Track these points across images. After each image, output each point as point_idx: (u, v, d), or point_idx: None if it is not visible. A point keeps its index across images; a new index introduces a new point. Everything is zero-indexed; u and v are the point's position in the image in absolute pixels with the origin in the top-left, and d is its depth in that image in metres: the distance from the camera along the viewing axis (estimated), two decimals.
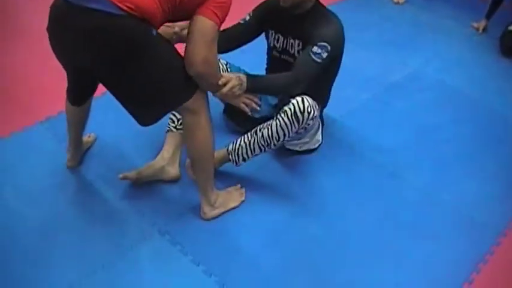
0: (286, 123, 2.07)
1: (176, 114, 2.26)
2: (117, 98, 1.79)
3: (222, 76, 1.92)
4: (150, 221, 2.10)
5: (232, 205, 2.16)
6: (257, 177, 2.33)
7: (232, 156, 2.21)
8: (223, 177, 2.26)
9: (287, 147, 2.40)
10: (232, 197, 2.18)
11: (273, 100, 2.37)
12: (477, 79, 3.27)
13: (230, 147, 2.22)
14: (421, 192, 2.33)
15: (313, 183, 2.35)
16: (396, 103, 2.95)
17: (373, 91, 3.05)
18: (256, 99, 2.08)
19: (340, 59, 2.25)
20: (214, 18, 1.73)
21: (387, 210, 2.23)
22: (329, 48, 2.05)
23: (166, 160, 2.24)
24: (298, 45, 2.19)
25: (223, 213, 2.13)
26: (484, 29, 3.86)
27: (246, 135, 2.20)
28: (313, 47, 2.05)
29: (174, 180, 2.26)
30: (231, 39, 2.26)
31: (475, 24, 3.92)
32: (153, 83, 1.71)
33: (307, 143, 2.39)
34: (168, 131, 2.31)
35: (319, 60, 2.04)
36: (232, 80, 1.94)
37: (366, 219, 2.18)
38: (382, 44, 3.63)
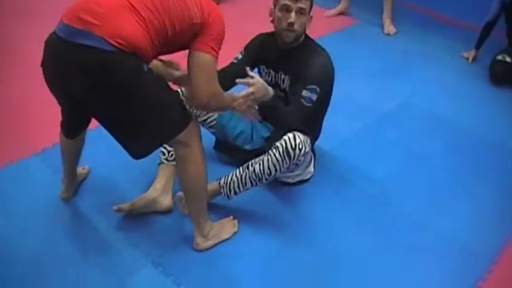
0: (277, 159, 2.10)
1: (167, 146, 2.29)
2: (109, 131, 1.82)
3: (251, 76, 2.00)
4: (144, 252, 2.10)
5: (225, 236, 2.17)
6: (250, 207, 2.34)
7: (224, 190, 2.22)
8: (216, 209, 2.27)
9: (279, 180, 2.42)
10: (225, 228, 2.19)
11: (266, 133, 2.41)
12: (467, 107, 3.32)
13: (222, 181, 2.23)
14: (413, 221, 2.34)
15: (305, 213, 2.36)
16: (387, 132, 2.99)
17: (364, 121, 3.08)
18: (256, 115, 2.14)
19: (330, 93, 2.30)
20: (212, 52, 1.78)
21: (379, 238, 2.24)
22: (318, 90, 2.12)
23: (159, 191, 2.25)
24: (288, 79, 2.24)
25: (216, 244, 2.14)
26: (474, 59, 3.91)
27: (238, 170, 2.21)
28: (302, 91, 2.10)
29: (167, 211, 2.27)
30: (227, 80, 2.29)
31: (465, 54, 3.98)
32: (145, 117, 1.74)
33: (299, 175, 2.41)
34: (159, 163, 2.33)
35: (309, 105, 2.11)
36: (257, 86, 1.99)
37: (358, 248, 2.19)
38: (373, 73, 3.68)
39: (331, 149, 2.76)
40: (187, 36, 1.77)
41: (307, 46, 2.22)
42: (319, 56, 2.19)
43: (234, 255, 2.12)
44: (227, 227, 2.20)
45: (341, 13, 4.71)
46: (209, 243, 2.12)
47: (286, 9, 2.11)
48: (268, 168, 2.12)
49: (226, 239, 2.17)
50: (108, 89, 1.65)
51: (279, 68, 2.28)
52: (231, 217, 2.25)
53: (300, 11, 2.11)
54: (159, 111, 1.76)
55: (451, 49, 4.11)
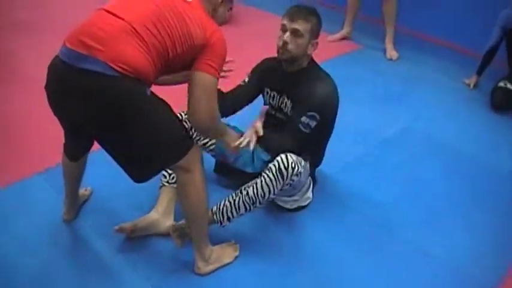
0: (271, 179, 2.10)
1: (167, 169, 2.30)
2: (110, 155, 1.83)
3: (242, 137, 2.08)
4: (144, 275, 2.10)
5: (226, 261, 2.16)
6: (251, 232, 2.34)
7: (216, 216, 2.19)
8: (217, 233, 2.27)
9: (278, 203, 2.42)
10: (226, 252, 2.19)
11: (266, 157, 2.42)
12: (468, 134, 3.34)
13: (214, 208, 2.20)
14: (413, 247, 2.34)
15: (306, 238, 2.36)
16: (389, 157, 3.00)
17: (366, 145, 3.10)
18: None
19: (334, 121, 2.33)
20: (213, 72, 1.79)
21: (379, 264, 2.24)
22: (318, 117, 2.14)
23: (161, 213, 2.26)
24: (290, 103, 2.27)
25: (217, 268, 2.13)
26: (475, 85, 3.94)
27: (230, 195, 2.20)
28: (302, 116, 2.13)
29: (168, 233, 2.25)
30: (235, 102, 2.34)
31: (467, 80, 4.01)
32: (146, 143, 1.75)
33: (297, 201, 2.41)
34: (161, 186, 2.35)
35: (307, 131, 2.14)
36: (247, 138, 2.09)
37: (358, 274, 2.18)
38: (375, 98, 3.71)
39: (332, 173, 2.77)
40: (188, 57, 1.79)
41: (311, 72, 2.25)
42: (322, 83, 2.21)
43: (235, 280, 2.11)
44: (228, 252, 2.19)
45: (344, 38, 4.76)
46: (210, 267, 2.11)
47: (283, 28, 2.16)
48: (262, 189, 2.12)
49: (228, 264, 2.16)
50: (110, 113, 1.66)
51: (282, 91, 2.30)
52: (233, 241, 2.25)
53: (296, 32, 2.13)
54: (161, 136, 1.77)
55: (451, 74, 4.17)
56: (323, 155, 2.48)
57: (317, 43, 2.24)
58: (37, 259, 2.15)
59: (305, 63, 2.25)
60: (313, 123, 2.14)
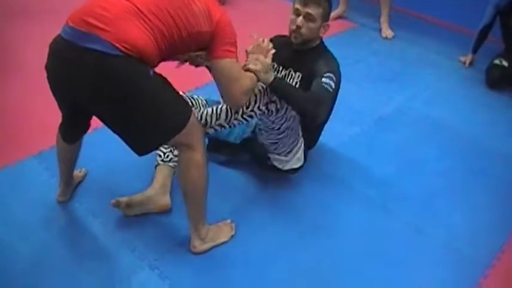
0: (259, 90, 2.08)
1: (162, 149, 2.32)
2: (113, 130, 1.83)
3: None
4: (140, 255, 2.10)
5: (222, 239, 2.17)
6: (247, 211, 2.34)
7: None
8: (214, 212, 2.26)
9: (271, 162, 2.42)
10: (222, 231, 2.19)
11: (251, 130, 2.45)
12: (464, 112, 3.34)
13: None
14: (410, 225, 2.35)
15: (302, 215, 2.37)
16: (384, 137, 3.00)
17: (361, 125, 3.09)
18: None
19: (334, 100, 2.33)
20: (230, 55, 1.82)
21: (375, 242, 2.25)
22: (334, 79, 2.17)
23: (157, 189, 2.27)
24: (298, 77, 2.30)
25: (213, 247, 2.14)
26: (471, 63, 3.94)
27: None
28: (321, 78, 2.15)
29: (163, 210, 2.27)
30: None
31: (462, 58, 4.01)
32: (148, 116, 1.75)
33: (288, 162, 2.39)
34: (156, 165, 2.35)
35: (330, 89, 2.14)
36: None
37: (355, 252, 2.19)
38: (371, 78, 3.70)
39: (328, 152, 2.77)
40: (194, 42, 1.80)
41: (321, 50, 2.33)
42: (332, 59, 2.30)
43: (231, 259, 2.12)
44: (224, 230, 2.20)
45: (339, 17, 4.74)
46: (206, 246, 2.12)
47: (296, 13, 2.22)
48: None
49: (224, 242, 2.17)
50: (113, 91, 1.66)
51: (290, 66, 2.34)
52: (229, 220, 2.25)
53: (308, 17, 2.19)
54: (162, 110, 1.77)
55: (447, 53, 4.15)
56: (318, 138, 2.52)
57: (328, 25, 2.29)
58: (32, 241, 2.15)
59: (315, 44, 2.32)
60: (332, 84, 2.16)
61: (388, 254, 2.19)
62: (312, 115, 2.11)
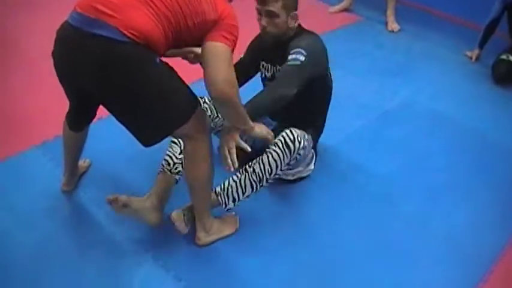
0: (278, 154, 2.09)
1: (173, 156, 2.22)
2: (119, 120, 1.81)
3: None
4: (144, 247, 2.10)
5: (227, 232, 2.17)
6: (252, 205, 2.32)
7: (221, 197, 2.12)
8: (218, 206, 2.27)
9: (280, 176, 2.39)
10: (227, 224, 2.19)
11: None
12: (470, 107, 3.32)
13: (218, 188, 2.14)
14: (414, 221, 2.34)
15: (306, 210, 2.36)
16: (389, 131, 2.99)
17: (366, 119, 3.08)
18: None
19: (327, 79, 2.29)
20: (225, 41, 1.75)
21: (379, 237, 2.24)
22: (304, 52, 2.07)
23: (154, 203, 2.12)
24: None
25: (217, 239, 2.14)
26: (477, 58, 3.91)
27: (235, 175, 2.15)
28: (288, 56, 2.08)
29: (152, 225, 2.14)
30: (239, 76, 2.29)
31: (468, 53, 3.98)
32: (155, 105, 1.74)
33: (300, 171, 2.40)
34: (160, 172, 2.22)
35: (298, 62, 2.05)
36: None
37: (357, 246, 2.19)
38: (376, 71, 3.68)
39: (333, 146, 2.76)
40: (199, 31, 1.77)
41: (298, 35, 2.22)
42: (303, 38, 2.18)
43: (235, 251, 2.12)
44: (229, 223, 2.20)
45: (345, 10, 4.71)
46: (211, 238, 2.12)
47: (258, 13, 2.15)
48: (269, 165, 2.10)
49: (228, 235, 2.17)
50: (119, 79, 1.65)
51: (275, 61, 2.28)
52: (233, 213, 2.24)
53: (270, 14, 2.11)
54: (168, 99, 1.76)
55: (453, 47, 4.12)
56: (324, 124, 2.47)
57: (296, 14, 2.18)
58: (36, 231, 2.15)
59: (292, 33, 2.22)
60: (301, 56, 2.05)
61: (391, 249, 2.19)
62: (284, 101, 2.05)
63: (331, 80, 2.36)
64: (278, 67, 2.27)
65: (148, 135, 1.84)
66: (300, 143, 2.09)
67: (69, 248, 2.09)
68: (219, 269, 2.05)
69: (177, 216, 2.07)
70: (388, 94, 3.38)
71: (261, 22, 2.15)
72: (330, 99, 2.40)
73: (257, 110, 2.02)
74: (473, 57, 3.91)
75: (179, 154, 2.21)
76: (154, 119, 1.78)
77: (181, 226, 2.08)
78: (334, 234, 2.25)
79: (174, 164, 2.22)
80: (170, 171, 2.21)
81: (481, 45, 3.87)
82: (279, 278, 2.02)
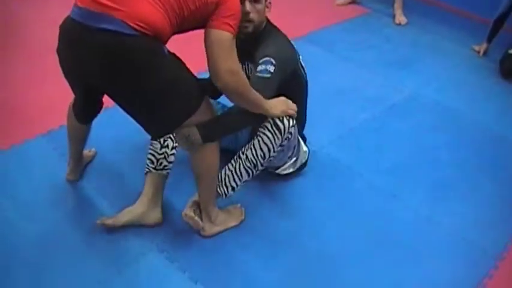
0: (268, 137, 2.04)
1: (155, 154, 2.16)
2: (128, 113, 1.80)
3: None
4: (149, 238, 2.10)
5: (232, 224, 2.16)
6: (257, 196, 2.33)
7: (220, 188, 2.10)
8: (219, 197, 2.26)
9: (278, 172, 2.39)
10: (232, 215, 2.18)
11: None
12: (476, 101, 3.30)
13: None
14: (419, 215, 2.33)
15: (311, 203, 2.35)
16: (395, 124, 2.97)
17: (372, 111, 3.06)
18: None
19: (299, 75, 2.23)
20: (228, 28, 1.72)
21: (385, 231, 2.23)
22: (273, 61, 2.01)
23: (146, 205, 2.12)
24: (252, 68, 2.16)
25: (222, 231, 2.14)
26: (485, 52, 3.89)
27: (229, 164, 2.13)
28: (256, 67, 2.03)
29: (155, 225, 2.16)
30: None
31: (476, 47, 3.96)
32: (164, 97, 1.72)
33: (295, 161, 2.37)
34: (146, 172, 2.18)
35: (267, 75, 2.00)
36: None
37: (363, 239, 2.18)
38: (382, 64, 3.65)
39: (338, 139, 2.75)
40: (201, 15, 1.73)
41: (266, 31, 2.14)
42: (275, 38, 2.13)
43: (239, 243, 2.11)
44: (234, 215, 2.19)
45: (352, 2, 4.69)
46: (216, 229, 2.12)
47: (241, 1, 1.98)
48: (261, 149, 2.06)
49: (233, 227, 2.16)
50: (129, 72, 1.63)
51: (245, 59, 2.19)
52: (239, 205, 2.24)
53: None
54: (178, 90, 1.74)
55: (461, 41, 4.10)
56: (305, 116, 2.39)
57: (270, 2, 2.13)
58: (40, 221, 2.15)
59: (262, 27, 2.13)
60: (270, 67, 2.00)
61: (396, 242, 2.18)
62: (257, 123, 2.04)
63: (305, 74, 2.27)
64: (249, 65, 2.20)
65: (158, 127, 1.84)
66: (288, 121, 2.03)
67: (73, 238, 2.09)
68: (225, 260, 2.04)
69: (189, 213, 2.05)
70: (395, 87, 3.36)
71: (244, 9, 1.97)
72: (305, 91, 2.33)
73: (225, 130, 2.01)
74: (481, 52, 3.89)
75: (160, 149, 2.15)
76: (165, 110, 1.76)
77: (196, 223, 2.06)
78: (340, 226, 2.24)
79: (158, 160, 2.16)
80: (155, 168, 2.16)
81: (489, 40, 3.85)
82: (283, 270, 2.02)
